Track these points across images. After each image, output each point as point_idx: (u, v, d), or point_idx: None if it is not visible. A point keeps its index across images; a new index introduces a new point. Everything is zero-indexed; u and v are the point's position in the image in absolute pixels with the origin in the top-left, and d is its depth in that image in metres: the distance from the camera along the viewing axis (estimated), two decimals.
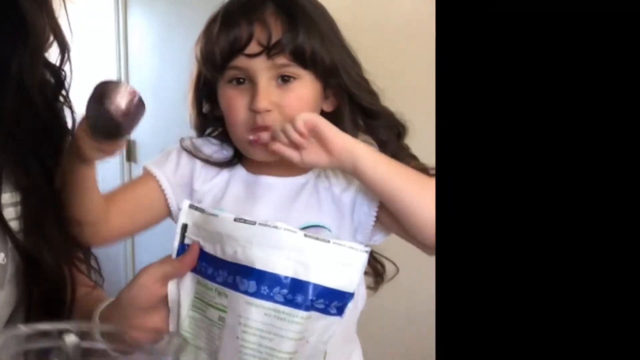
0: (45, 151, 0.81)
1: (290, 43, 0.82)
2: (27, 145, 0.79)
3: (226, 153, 0.90)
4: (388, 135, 0.87)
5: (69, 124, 0.84)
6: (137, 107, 0.69)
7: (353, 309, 0.87)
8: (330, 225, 0.83)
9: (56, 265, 0.81)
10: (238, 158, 0.89)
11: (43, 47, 0.79)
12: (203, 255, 0.78)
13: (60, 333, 0.57)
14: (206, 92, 0.89)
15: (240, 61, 0.82)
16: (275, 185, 0.85)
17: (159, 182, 0.86)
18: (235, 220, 0.76)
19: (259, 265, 0.73)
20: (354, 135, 0.87)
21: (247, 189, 0.87)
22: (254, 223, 0.75)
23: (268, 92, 0.81)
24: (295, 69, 0.82)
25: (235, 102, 0.83)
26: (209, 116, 0.90)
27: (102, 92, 0.68)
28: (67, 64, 0.83)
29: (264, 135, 0.80)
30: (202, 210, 0.79)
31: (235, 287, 0.74)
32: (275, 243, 0.73)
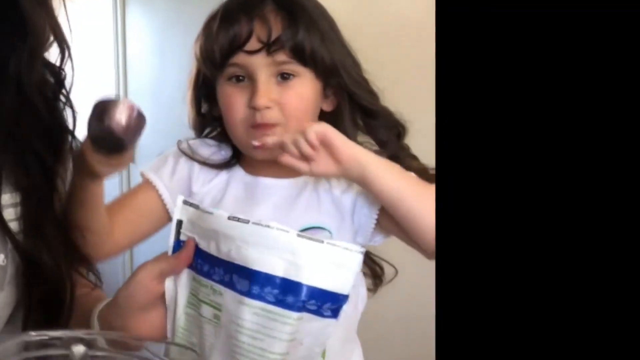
0: (45, 151, 0.81)
1: (290, 39, 0.81)
2: (27, 145, 0.79)
3: (224, 154, 0.89)
4: (388, 135, 0.87)
5: (70, 124, 0.84)
6: (137, 121, 0.70)
7: (353, 310, 0.87)
8: (331, 226, 0.82)
9: (56, 266, 0.80)
10: (236, 158, 0.89)
11: (43, 46, 0.79)
12: (199, 252, 0.78)
13: (68, 342, 0.56)
14: (205, 91, 0.89)
15: (240, 58, 0.82)
16: (274, 187, 0.85)
17: (157, 189, 0.86)
18: (229, 218, 0.75)
19: (251, 264, 0.72)
20: (354, 135, 0.87)
21: (246, 191, 0.86)
22: (247, 222, 0.74)
23: (268, 89, 0.81)
24: (295, 66, 0.82)
25: (234, 100, 0.83)
26: (207, 116, 0.90)
27: (101, 111, 0.69)
28: (68, 63, 0.83)
29: (269, 140, 0.80)
30: (196, 207, 0.79)
31: (231, 285, 0.74)
32: (268, 242, 0.72)
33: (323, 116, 0.87)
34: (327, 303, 0.72)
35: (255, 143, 0.80)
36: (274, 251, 0.72)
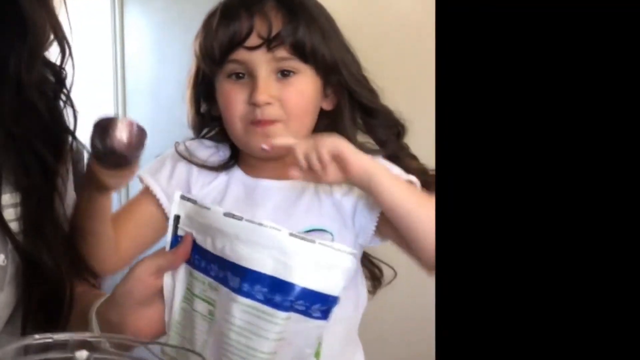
0: (45, 151, 0.80)
1: (291, 36, 0.81)
2: (27, 145, 0.79)
3: (222, 154, 0.89)
4: (387, 134, 0.87)
5: (71, 123, 0.84)
6: (138, 136, 0.71)
7: (354, 311, 0.87)
8: (332, 229, 0.82)
9: (55, 266, 0.80)
10: (235, 159, 0.89)
11: (43, 45, 0.79)
12: (196, 247, 0.78)
13: (73, 345, 0.55)
14: (204, 90, 0.88)
15: (240, 54, 0.82)
16: (275, 189, 0.85)
17: (156, 195, 0.85)
18: (224, 214, 0.75)
19: (242, 262, 0.72)
20: (353, 134, 0.87)
21: (246, 193, 0.86)
22: (241, 219, 0.74)
23: (268, 85, 0.81)
24: (295, 63, 0.82)
25: (234, 96, 0.83)
26: (206, 115, 0.90)
27: (102, 130, 0.70)
28: (70, 63, 0.83)
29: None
30: (194, 202, 0.79)
31: (224, 282, 0.74)
32: (260, 240, 0.72)
33: (322, 115, 0.87)
34: (317, 304, 0.71)
35: (264, 147, 0.80)
36: (265, 249, 0.71)
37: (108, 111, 2.98)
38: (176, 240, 0.79)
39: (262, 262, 0.71)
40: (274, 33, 0.81)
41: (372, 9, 1.87)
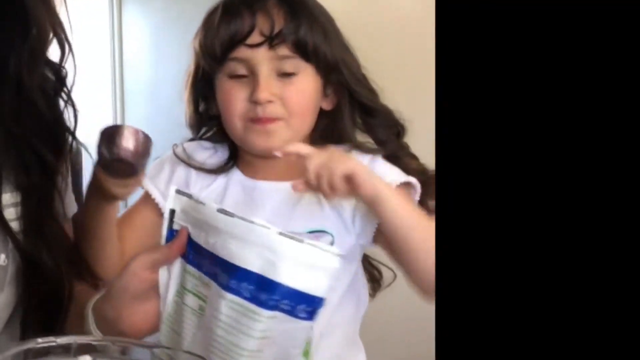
0: (45, 150, 0.80)
1: (293, 34, 0.81)
2: (28, 144, 0.79)
3: (221, 155, 0.89)
4: (387, 134, 0.87)
5: (72, 123, 0.84)
6: (144, 145, 0.72)
7: (355, 313, 0.87)
8: (333, 230, 0.82)
9: (55, 266, 0.80)
10: (234, 160, 0.88)
11: (45, 44, 0.79)
12: (190, 242, 0.77)
13: (75, 350, 0.55)
14: (202, 88, 0.88)
15: (241, 52, 0.82)
16: (275, 191, 0.85)
17: (155, 199, 0.85)
18: (218, 211, 0.74)
19: (231, 259, 0.72)
20: (353, 133, 0.87)
21: (245, 195, 0.86)
22: (233, 215, 0.73)
23: (269, 83, 0.81)
24: (296, 61, 0.82)
25: (234, 94, 0.83)
26: (204, 115, 0.90)
27: (108, 138, 0.71)
28: (71, 62, 0.83)
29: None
30: (189, 196, 0.78)
31: (215, 278, 0.73)
32: (249, 238, 0.71)
33: (322, 114, 0.87)
34: (302, 304, 0.71)
35: (277, 154, 0.79)
36: (254, 247, 0.71)
37: (106, 111, 2.99)
38: (171, 234, 0.78)
39: (250, 260, 0.70)
40: (276, 31, 0.81)
41: (371, 9, 1.87)
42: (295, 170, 0.83)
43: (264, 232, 0.71)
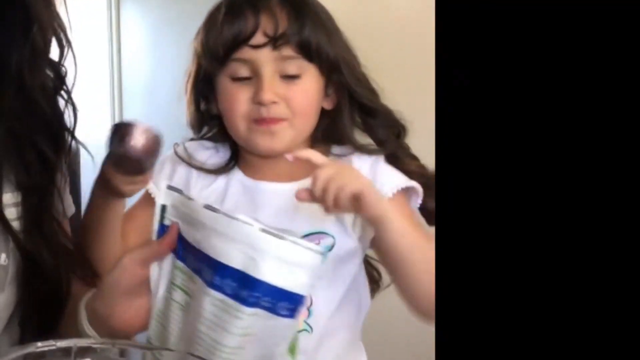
0: (46, 149, 0.81)
1: (297, 34, 0.81)
2: (28, 143, 0.79)
3: (222, 155, 0.89)
4: (387, 134, 0.87)
5: (71, 122, 0.84)
6: (154, 142, 0.73)
7: (356, 315, 0.87)
8: (334, 231, 0.82)
9: (55, 265, 0.81)
10: (235, 160, 0.88)
11: (46, 42, 0.79)
12: (180, 238, 0.77)
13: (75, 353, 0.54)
14: (203, 88, 0.87)
15: (245, 53, 0.81)
16: (276, 192, 0.84)
17: (156, 199, 0.85)
18: (204, 207, 0.74)
19: (215, 255, 0.71)
20: (351, 132, 0.86)
21: (246, 195, 0.86)
22: (217, 211, 0.73)
23: (273, 84, 0.81)
24: (300, 62, 0.82)
25: (237, 95, 0.82)
26: (205, 114, 0.89)
27: (120, 136, 0.72)
28: (72, 61, 0.83)
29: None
30: (179, 192, 0.78)
31: (200, 274, 0.73)
32: (233, 234, 0.70)
33: (322, 114, 0.86)
34: (283, 302, 0.70)
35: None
36: (237, 243, 0.70)
37: (104, 111, 2.98)
38: (162, 229, 0.78)
39: (233, 256, 0.70)
40: (280, 31, 0.80)
41: (371, 9, 1.87)
42: (296, 171, 0.83)
43: (246, 228, 0.70)
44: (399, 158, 0.87)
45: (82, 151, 0.90)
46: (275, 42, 0.80)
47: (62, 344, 0.55)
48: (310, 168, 0.85)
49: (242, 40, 0.81)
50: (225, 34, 0.82)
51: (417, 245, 0.77)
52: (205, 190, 0.86)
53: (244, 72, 0.82)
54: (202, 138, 0.91)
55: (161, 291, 0.77)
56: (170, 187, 0.78)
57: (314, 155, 0.78)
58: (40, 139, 0.80)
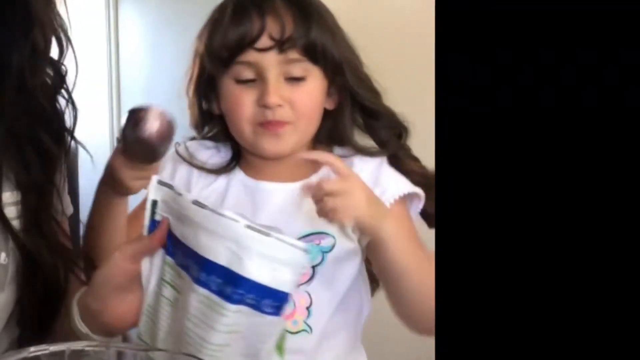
0: (46, 148, 0.81)
1: (303, 37, 0.80)
2: (28, 142, 0.79)
3: (223, 155, 0.88)
4: (389, 135, 0.87)
5: (71, 122, 0.84)
6: (168, 127, 0.74)
7: (357, 317, 0.86)
8: (334, 231, 0.82)
9: (54, 265, 0.81)
10: (236, 160, 0.88)
11: (47, 41, 0.79)
12: (170, 233, 0.76)
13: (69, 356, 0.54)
14: (205, 89, 0.87)
15: (250, 56, 0.81)
16: (276, 192, 0.84)
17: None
18: (192, 202, 0.73)
19: (202, 251, 0.70)
20: (352, 133, 0.86)
21: (247, 195, 0.85)
22: (205, 207, 0.71)
23: (278, 87, 0.80)
24: (305, 64, 0.81)
25: (241, 98, 0.82)
26: (206, 115, 0.89)
27: (134, 121, 0.72)
28: (74, 62, 0.83)
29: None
30: (170, 187, 0.76)
31: (187, 270, 0.72)
32: (218, 230, 0.69)
33: (324, 115, 0.86)
34: (267, 299, 0.69)
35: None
36: (222, 240, 0.69)
37: (103, 111, 2.97)
38: (153, 225, 0.77)
39: (219, 253, 0.69)
40: (286, 35, 0.80)
41: (371, 9, 1.86)
42: (298, 171, 0.83)
43: (232, 224, 0.69)
44: (400, 159, 0.87)
45: (80, 152, 0.90)
46: (281, 45, 0.79)
47: (54, 348, 0.54)
48: (312, 168, 0.86)
49: (247, 44, 0.80)
50: (230, 36, 0.81)
51: (412, 268, 0.77)
52: (205, 189, 0.86)
53: (248, 74, 0.82)
54: (203, 138, 0.91)
55: (151, 286, 0.77)
56: (160, 182, 0.77)
57: (336, 162, 0.77)
58: (40, 137, 0.80)
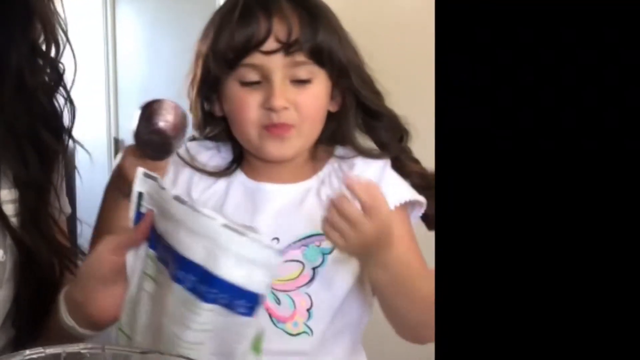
0: (44, 145, 0.81)
1: (310, 40, 0.80)
2: (27, 139, 0.79)
3: (224, 155, 0.88)
4: (390, 137, 0.86)
5: (69, 121, 0.84)
6: (182, 119, 0.74)
7: (360, 319, 0.86)
8: None
9: (51, 263, 0.81)
10: (237, 162, 0.87)
11: (47, 40, 0.79)
12: (153, 227, 0.75)
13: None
14: (207, 90, 0.86)
15: (256, 58, 0.80)
16: (277, 193, 0.84)
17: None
18: (173, 198, 0.71)
19: (179, 247, 0.69)
20: (354, 134, 0.86)
21: (247, 197, 0.85)
22: (184, 202, 0.71)
23: (284, 90, 0.80)
24: (311, 67, 0.81)
25: (247, 100, 0.81)
26: (208, 116, 0.88)
27: (148, 115, 0.73)
28: (73, 61, 0.83)
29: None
30: (155, 179, 0.75)
31: (167, 265, 0.72)
32: (196, 227, 0.69)
33: (327, 117, 0.86)
34: (240, 299, 0.68)
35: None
36: (199, 238, 0.68)
37: (100, 110, 2.97)
38: (139, 217, 0.76)
39: (196, 251, 0.68)
40: (293, 37, 0.79)
41: (370, 9, 1.86)
42: (299, 172, 0.83)
43: (209, 222, 0.68)
44: (401, 161, 0.86)
45: (77, 153, 0.90)
46: (288, 48, 0.79)
47: (50, 350, 0.54)
48: (313, 170, 0.85)
49: (253, 46, 0.79)
50: (237, 38, 0.80)
51: (409, 288, 0.77)
52: (206, 191, 0.85)
53: (253, 76, 0.81)
54: (204, 138, 0.90)
55: (135, 279, 0.76)
56: (146, 174, 0.75)
57: (374, 193, 0.74)
58: (39, 135, 0.81)
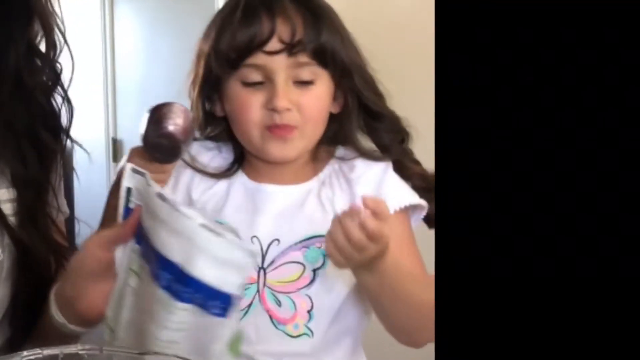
0: (42, 144, 0.81)
1: (313, 41, 0.80)
2: (25, 138, 0.79)
3: (225, 155, 0.88)
4: (391, 139, 0.86)
5: (67, 120, 0.84)
6: (192, 123, 0.75)
7: (360, 321, 0.86)
8: None
9: (48, 259, 0.81)
10: (238, 164, 0.87)
11: (47, 39, 0.79)
12: (140, 223, 0.75)
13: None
14: (208, 90, 0.86)
15: (258, 58, 0.80)
16: (278, 194, 0.84)
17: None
18: (156, 195, 0.71)
19: (159, 245, 0.69)
20: (356, 136, 0.86)
21: (248, 198, 0.85)
22: (165, 200, 0.70)
23: (287, 91, 0.79)
24: (314, 68, 0.81)
25: (249, 101, 0.81)
26: (209, 116, 0.88)
27: (156, 119, 0.73)
28: (71, 61, 0.83)
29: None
30: (143, 174, 0.75)
31: (148, 262, 0.72)
32: (175, 226, 0.68)
33: (329, 118, 0.86)
34: (214, 300, 0.68)
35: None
36: (178, 236, 0.68)
37: (98, 110, 2.97)
38: (127, 212, 0.76)
39: (173, 249, 0.68)
40: (296, 38, 0.79)
41: (370, 9, 1.86)
42: (300, 174, 0.83)
43: (187, 222, 0.68)
44: (402, 163, 0.86)
45: (75, 153, 0.90)
46: (291, 49, 0.79)
47: (48, 351, 0.53)
48: (314, 171, 0.85)
49: (256, 46, 0.79)
50: (239, 38, 0.80)
51: (399, 292, 0.77)
52: (207, 192, 0.85)
53: (256, 77, 0.81)
54: (205, 138, 0.90)
55: (122, 274, 0.75)
56: (134, 170, 0.75)
57: (384, 212, 0.73)
58: (37, 135, 0.81)
